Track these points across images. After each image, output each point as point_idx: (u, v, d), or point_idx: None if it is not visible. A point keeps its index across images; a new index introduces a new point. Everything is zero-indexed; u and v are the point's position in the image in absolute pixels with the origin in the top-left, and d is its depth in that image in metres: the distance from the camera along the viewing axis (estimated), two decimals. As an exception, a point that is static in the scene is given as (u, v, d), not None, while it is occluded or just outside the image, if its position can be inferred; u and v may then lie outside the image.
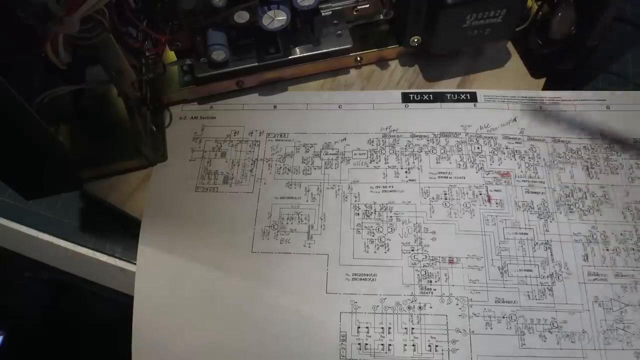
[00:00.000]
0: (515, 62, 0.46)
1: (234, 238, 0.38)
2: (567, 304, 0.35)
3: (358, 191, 0.40)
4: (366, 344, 0.35)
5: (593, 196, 0.39)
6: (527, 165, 0.40)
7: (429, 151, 0.41)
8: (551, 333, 0.34)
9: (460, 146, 0.41)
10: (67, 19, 0.27)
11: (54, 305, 0.78)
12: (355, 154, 0.41)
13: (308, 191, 0.40)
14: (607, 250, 0.37)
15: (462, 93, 0.44)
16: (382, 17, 0.43)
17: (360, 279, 0.37)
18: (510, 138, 0.41)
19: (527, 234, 0.38)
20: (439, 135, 0.42)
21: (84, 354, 0.74)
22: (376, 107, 0.44)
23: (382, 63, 0.46)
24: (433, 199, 0.39)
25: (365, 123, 0.43)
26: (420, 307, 0.35)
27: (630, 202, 0.39)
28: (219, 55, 0.39)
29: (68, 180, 0.38)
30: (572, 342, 0.34)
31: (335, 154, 0.41)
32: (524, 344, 0.34)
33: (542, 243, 0.37)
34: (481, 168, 0.40)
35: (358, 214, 0.39)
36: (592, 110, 0.43)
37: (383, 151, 0.41)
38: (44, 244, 0.42)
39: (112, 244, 0.41)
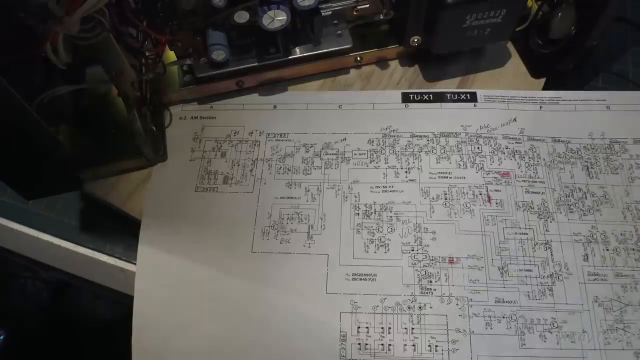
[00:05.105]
0: (515, 62, 0.46)
1: (234, 238, 0.38)
2: (567, 304, 0.35)
3: (358, 191, 0.40)
4: (366, 344, 0.35)
5: (593, 196, 0.39)
6: (527, 165, 0.40)
7: (429, 151, 0.41)
8: (551, 333, 0.34)
9: (460, 146, 0.41)
10: (67, 19, 0.27)
11: (54, 305, 0.78)
12: (355, 154, 0.41)
13: (308, 191, 0.40)
14: (607, 250, 0.37)
15: (462, 93, 0.44)
16: (382, 17, 0.43)
17: (360, 279, 0.37)
18: (510, 138, 0.41)
19: (527, 234, 0.38)
20: (439, 135, 0.42)
21: (84, 354, 0.74)
22: (376, 107, 0.44)
23: (382, 63, 0.46)
24: (433, 199, 0.39)
25: (365, 123, 0.43)
26: (420, 307, 0.35)
27: (630, 202, 0.39)
28: (219, 55, 0.39)
29: (68, 180, 0.38)
30: (572, 342, 0.34)
31: (335, 154, 0.41)
32: (524, 344, 0.34)
33: (542, 243, 0.37)
34: (481, 168, 0.40)
35: (358, 214, 0.39)
36: (592, 110, 0.43)
37: (383, 151, 0.41)
38: (44, 244, 0.42)
39: (112, 244, 0.41)
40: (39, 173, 0.35)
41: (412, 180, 0.40)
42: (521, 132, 0.42)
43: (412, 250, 0.37)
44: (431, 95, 0.44)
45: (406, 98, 0.44)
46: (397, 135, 0.42)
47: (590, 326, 0.35)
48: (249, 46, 0.42)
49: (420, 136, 0.42)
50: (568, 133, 0.42)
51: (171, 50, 0.41)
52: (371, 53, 0.45)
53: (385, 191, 0.40)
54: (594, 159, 0.41)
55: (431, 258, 0.37)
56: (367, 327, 0.35)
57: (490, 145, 0.41)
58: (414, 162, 0.41)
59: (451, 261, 0.37)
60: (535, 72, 0.45)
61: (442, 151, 0.41)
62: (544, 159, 0.40)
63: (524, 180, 0.40)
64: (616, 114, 0.43)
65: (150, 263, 0.37)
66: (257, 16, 0.37)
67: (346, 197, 0.39)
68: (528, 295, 0.36)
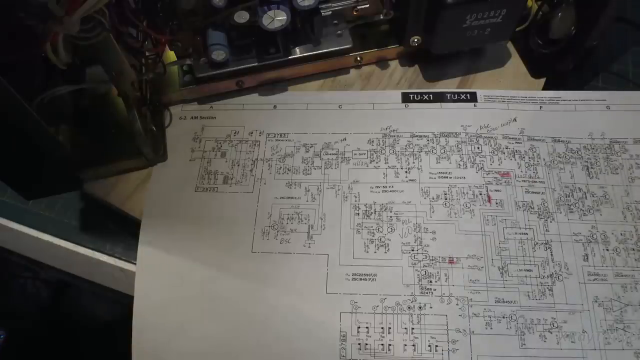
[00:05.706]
0: (515, 62, 0.46)
1: (234, 238, 0.38)
2: (567, 304, 0.35)
3: (358, 191, 0.40)
4: (366, 344, 0.35)
5: (593, 196, 0.39)
6: (527, 165, 0.40)
7: (429, 151, 0.41)
8: (551, 333, 0.34)
9: (460, 146, 0.41)
10: (67, 19, 0.27)
11: (54, 305, 0.78)
12: (355, 154, 0.41)
13: (308, 191, 0.40)
14: (607, 250, 0.37)
15: (462, 93, 0.44)
16: (382, 17, 0.43)
17: (360, 279, 0.37)
18: (510, 138, 0.41)
19: (527, 234, 0.38)
20: (439, 135, 0.42)
21: (83, 354, 0.74)
22: (376, 107, 0.44)
23: (382, 63, 0.46)
24: (433, 199, 0.39)
25: (365, 123, 0.43)
26: (420, 307, 0.35)
27: (630, 202, 0.39)
28: (219, 55, 0.39)
29: (68, 180, 0.38)
30: (572, 342, 0.34)
31: (335, 154, 0.41)
32: (524, 344, 0.34)
33: (542, 243, 0.37)
34: (481, 168, 0.40)
35: (358, 214, 0.39)
36: (592, 110, 0.43)
37: (383, 151, 0.41)
38: (44, 244, 0.42)
39: (112, 244, 0.41)
40: (39, 173, 0.35)
41: (412, 180, 0.40)
42: (521, 132, 0.42)
43: (412, 250, 0.37)
44: (431, 95, 0.44)
45: (406, 98, 0.44)
46: (397, 135, 0.42)
47: (590, 326, 0.35)
48: (249, 46, 0.42)
49: (420, 136, 0.42)
50: (568, 133, 0.42)
51: (171, 50, 0.41)
52: (371, 53, 0.45)
53: (385, 191, 0.40)
54: (594, 159, 0.41)
55: (431, 258, 0.37)
56: (367, 327, 0.35)
57: (490, 145, 0.41)
58: (414, 162, 0.41)
59: (451, 261, 0.37)
60: (535, 72, 0.45)
61: (442, 151, 0.41)
62: (544, 159, 0.40)
63: (524, 180, 0.40)
64: (616, 114, 0.43)
65: (150, 263, 0.37)
66: (257, 16, 0.37)
67: (346, 197, 0.39)
68: (528, 295, 0.36)
